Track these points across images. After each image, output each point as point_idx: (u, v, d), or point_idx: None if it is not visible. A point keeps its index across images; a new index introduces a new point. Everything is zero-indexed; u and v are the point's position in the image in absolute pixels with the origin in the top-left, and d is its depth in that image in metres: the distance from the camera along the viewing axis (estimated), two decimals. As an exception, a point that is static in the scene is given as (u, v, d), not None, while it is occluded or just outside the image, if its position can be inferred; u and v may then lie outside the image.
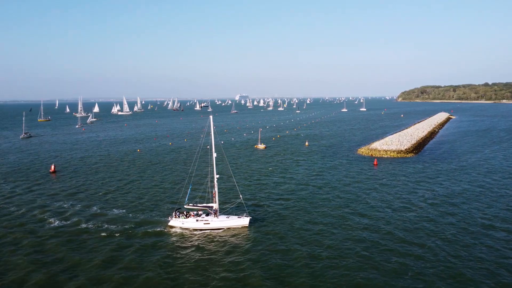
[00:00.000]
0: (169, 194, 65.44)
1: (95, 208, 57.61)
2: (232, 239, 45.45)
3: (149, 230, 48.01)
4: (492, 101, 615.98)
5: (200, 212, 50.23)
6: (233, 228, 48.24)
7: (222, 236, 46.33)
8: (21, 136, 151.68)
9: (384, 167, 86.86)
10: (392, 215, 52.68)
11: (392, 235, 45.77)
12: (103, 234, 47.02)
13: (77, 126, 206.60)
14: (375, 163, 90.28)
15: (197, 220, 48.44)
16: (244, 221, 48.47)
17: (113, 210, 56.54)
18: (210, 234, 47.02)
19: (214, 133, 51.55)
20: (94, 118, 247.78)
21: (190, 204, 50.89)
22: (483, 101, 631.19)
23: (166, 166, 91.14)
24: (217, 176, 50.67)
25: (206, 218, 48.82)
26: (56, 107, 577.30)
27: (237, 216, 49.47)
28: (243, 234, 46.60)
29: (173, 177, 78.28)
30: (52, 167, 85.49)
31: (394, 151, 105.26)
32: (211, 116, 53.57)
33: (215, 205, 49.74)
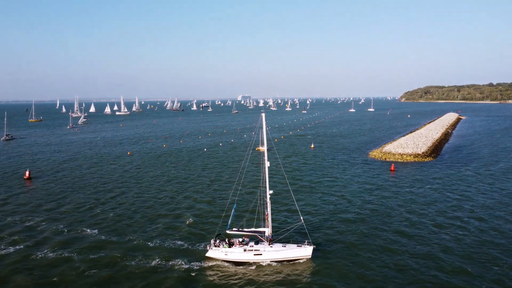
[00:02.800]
0: (183, 209, 54.35)
1: (78, 227, 46.30)
2: (293, 276, 34.50)
3: (179, 264, 36.23)
4: (498, 101, 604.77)
5: (246, 239, 39.04)
6: (293, 260, 37.28)
7: (279, 272, 35.36)
8: (2, 138, 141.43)
9: (402, 173, 76.67)
10: (441, 236, 42.95)
11: (455, 262, 36.35)
12: (104, 275, 34.64)
13: (68, 127, 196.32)
14: (392, 168, 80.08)
15: (244, 250, 37.24)
16: (307, 251, 37.30)
17: (109, 233, 44.68)
18: (263, 269, 36.07)
19: (265, 134, 39.61)
20: (85, 118, 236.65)
21: (234, 229, 39.67)
22: (488, 101, 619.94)
23: (167, 173, 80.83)
24: (271, 192, 39.33)
25: (257, 247, 37.64)
26: (57, 107, 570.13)
27: (296, 245, 38.07)
28: (306, 269, 35.70)
29: (186, 187, 67.39)
30: (27, 173, 75.44)
31: (410, 155, 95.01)
32: (263, 114, 41.29)
33: (268, 230, 38.60)
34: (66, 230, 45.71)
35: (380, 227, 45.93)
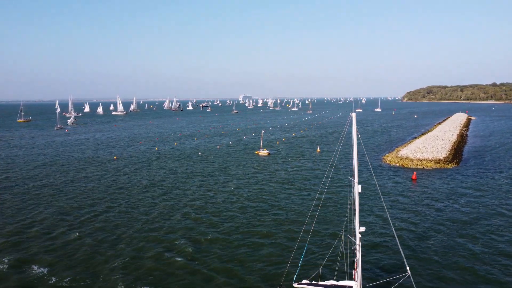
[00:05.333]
0: (200, 240, 43.40)
1: (28, 264, 35.43)
2: None
3: None
4: (503, 102, 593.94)
5: None
6: None
7: None
8: None
9: (426, 182, 65.82)
10: None
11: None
12: None
13: (55, 128, 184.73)
14: (413, 177, 69.26)
15: None
16: None
17: (107, 276, 32.94)
18: None
19: (355, 139, 27.20)
20: (74, 119, 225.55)
21: (304, 281, 28.56)
22: (493, 102, 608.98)
23: (171, 182, 70.10)
24: (362, 229, 26.41)
25: None
26: (56, 107, 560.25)
27: None
28: None
29: (201, 206, 56.31)
30: (-11, 183, 64.73)
31: (431, 161, 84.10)
32: (353, 114, 27.81)
33: (357, 285, 27.16)
34: (6, 267, 34.82)
35: (465, 265, 34.70)
